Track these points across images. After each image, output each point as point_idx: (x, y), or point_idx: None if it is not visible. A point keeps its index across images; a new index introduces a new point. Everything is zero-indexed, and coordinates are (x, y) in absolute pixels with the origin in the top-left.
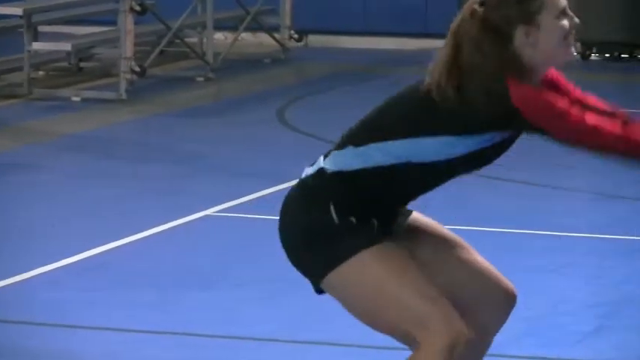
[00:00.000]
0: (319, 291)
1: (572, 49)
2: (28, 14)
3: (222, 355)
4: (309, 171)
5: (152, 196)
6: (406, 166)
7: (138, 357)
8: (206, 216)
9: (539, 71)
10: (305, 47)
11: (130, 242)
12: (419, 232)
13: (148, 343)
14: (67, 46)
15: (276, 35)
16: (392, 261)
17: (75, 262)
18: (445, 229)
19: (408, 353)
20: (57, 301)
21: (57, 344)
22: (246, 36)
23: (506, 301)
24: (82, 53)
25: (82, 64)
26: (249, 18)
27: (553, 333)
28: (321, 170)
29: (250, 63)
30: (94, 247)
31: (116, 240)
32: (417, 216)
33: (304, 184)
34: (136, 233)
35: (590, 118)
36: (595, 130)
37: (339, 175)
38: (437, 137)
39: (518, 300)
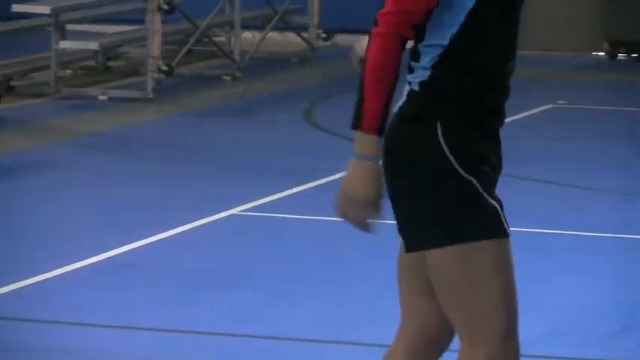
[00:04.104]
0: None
1: None
2: (55, 13)
3: (247, 355)
4: (400, 103)
5: (178, 195)
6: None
7: (162, 357)
8: (231, 215)
9: None
10: (333, 46)
11: (154, 242)
12: None
13: (172, 343)
14: (94, 45)
15: (304, 34)
16: (508, 264)
17: (99, 262)
18: None
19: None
20: (81, 300)
21: (82, 344)
22: (273, 35)
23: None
24: (110, 52)
25: (109, 63)
26: (276, 17)
27: (578, 333)
28: (410, 93)
29: (278, 62)
30: (119, 246)
31: (141, 239)
32: None
33: (400, 117)
34: (161, 233)
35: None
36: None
37: (431, 80)
38: None
39: (543, 300)
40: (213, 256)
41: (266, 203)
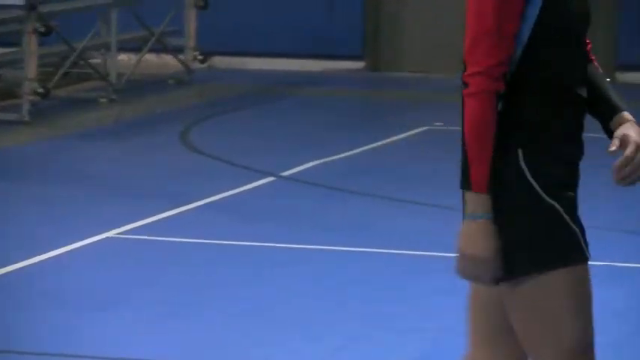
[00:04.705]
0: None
1: None
2: None
3: None
4: None
5: (54, 218)
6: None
7: None
8: (108, 238)
9: None
10: (209, 69)
11: (32, 264)
12: None
13: None
14: None
15: (181, 56)
16: (585, 292)
17: None
18: None
19: None
20: None
21: None
22: (150, 57)
23: None
24: None
25: None
26: (153, 39)
27: (454, 354)
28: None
29: (154, 84)
30: None
31: (18, 262)
32: None
33: None
34: (38, 255)
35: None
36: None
37: (505, 109)
38: None
39: (419, 322)
40: (90, 279)
41: (143, 226)
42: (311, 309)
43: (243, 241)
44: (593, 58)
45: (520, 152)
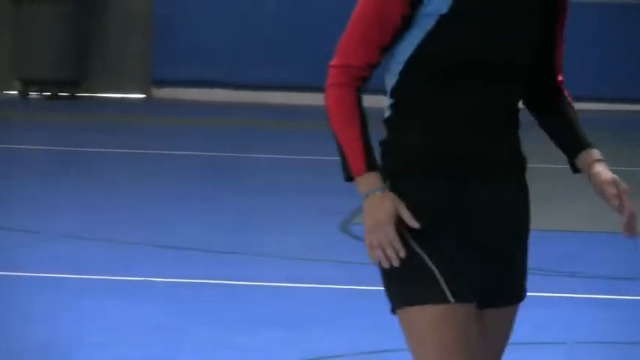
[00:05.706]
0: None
1: None
2: None
3: None
4: None
5: None
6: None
7: None
8: None
9: None
10: None
11: None
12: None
13: None
14: None
15: None
16: (449, 333)
17: None
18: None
19: None
20: None
21: None
22: None
23: None
24: None
25: None
26: None
27: None
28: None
29: None
30: None
31: None
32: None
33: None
34: None
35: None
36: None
37: (386, 136)
38: None
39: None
40: None
41: None
42: None
43: None
44: (563, 90)
45: (387, 183)
